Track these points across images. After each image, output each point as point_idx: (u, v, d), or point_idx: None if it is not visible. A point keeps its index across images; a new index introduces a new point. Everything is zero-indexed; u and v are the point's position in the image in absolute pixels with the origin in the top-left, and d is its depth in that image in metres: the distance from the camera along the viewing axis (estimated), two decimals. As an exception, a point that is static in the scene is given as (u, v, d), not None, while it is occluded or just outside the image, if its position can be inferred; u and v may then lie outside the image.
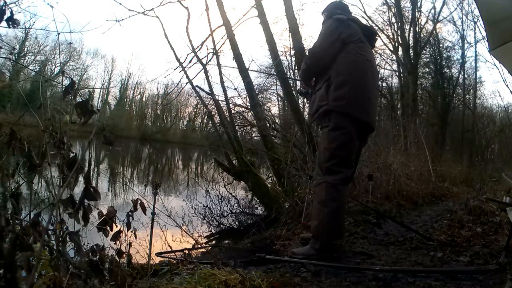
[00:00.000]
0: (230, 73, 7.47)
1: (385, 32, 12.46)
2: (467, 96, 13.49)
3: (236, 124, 5.66)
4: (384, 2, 12.27)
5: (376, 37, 2.38)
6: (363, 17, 12.24)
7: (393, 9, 11.98)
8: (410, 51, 11.30)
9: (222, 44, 5.21)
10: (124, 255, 1.32)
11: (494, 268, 1.79)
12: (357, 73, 2.06)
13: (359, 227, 2.83)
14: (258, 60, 20.99)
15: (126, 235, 1.38)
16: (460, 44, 12.84)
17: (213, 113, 5.39)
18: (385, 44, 12.87)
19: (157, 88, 31.47)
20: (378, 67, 15.83)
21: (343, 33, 2.06)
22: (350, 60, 2.05)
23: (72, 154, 1.07)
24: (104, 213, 1.17)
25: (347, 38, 2.06)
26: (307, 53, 2.18)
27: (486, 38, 2.59)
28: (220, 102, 5.19)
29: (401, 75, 12.12)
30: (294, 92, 5.51)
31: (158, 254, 2.45)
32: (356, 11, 12.26)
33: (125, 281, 1.19)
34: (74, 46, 26.72)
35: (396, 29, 12.02)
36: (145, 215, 1.45)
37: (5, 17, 1.02)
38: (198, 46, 5.22)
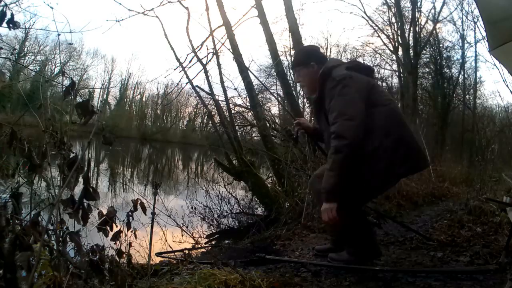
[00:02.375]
0: (230, 73, 7.46)
1: (385, 32, 12.49)
2: (467, 96, 13.48)
3: (236, 124, 5.66)
4: (384, 2, 12.28)
5: (373, 70, 2.13)
6: (363, 17, 12.26)
7: (393, 9, 11.98)
8: (410, 51, 11.30)
9: (222, 44, 5.22)
10: (124, 255, 1.32)
11: (494, 268, 1.79)
12: (400, 122, 1.81)
13: (359, 227, 2.82)
14: (258, 60, 21.01)
15: (126, 235, 1.39)
16: (460, 44, 12.83)
17: (213, 113, 5.40)
18: (385, 44, 12.90)
19: (157, 88, 31.43)
20: (378, 67, 15.74)
21: (360, 90, 1.77)
22: (384, 112, 1.77)
23: (72, 154, 1.07)
24: (104, 213, 1.18)
25: (365, 93, 1.78)
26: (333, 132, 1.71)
27: (486, 38, 2.58)
28: (220, 102, 5.19)
29: (401, 75, 12.13)
30: (294, 93, 5.52)
31: (158, 254, 2.45)
32: (356, 11, 12.28)
33: (125, 281, 1.19)
34: (74, 46, 26.67)
35: (396, 29, 12.03)
36: (145, 215, 1.45)
37: (6, 19, 1.03)
38: (198, 46, 5.23)
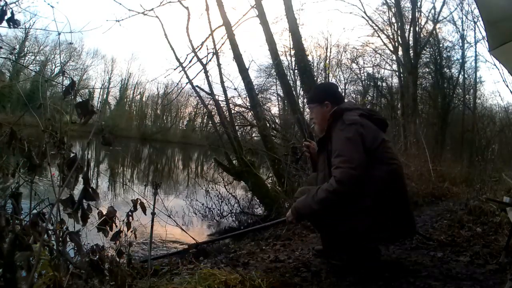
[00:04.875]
0: (230, 73, 7.47)
1: (385, 32, 12.48)
2: (467, 96, 13.49)
3: (236, 124, 5.67)
4: (384, 2, 12.28)
5: (387, 123, 1.99)
6: (363, 17, 12.26)
7: (393, 9, 11.97)
8: (410, 51, 11.29)
9: (222, 44, 5.22)
10: (124, 255, 1.32)
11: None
12: (398, 186, 1.75)
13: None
14: (258, 60, 21.05)
15: (126, 235, 1.39)
16: (460, 44, 12.84)
17: (213, 113, 5.40)
18: (385, 44, 12.90)
19: (157, 88, 31.46)
20: (378, 67, 15.65)
21: (366, 140, 1.70)
22: (385, 172, 1.71)
23: (72, 154, 1.07)
24: (104, 213, 1.18)
25: (372, 145, 1.71)
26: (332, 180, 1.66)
27: (486, 38, 2.58)
28: (220, 102, 5.20)
29: (401, 75, 12.12)
30: (294, 92, 5.52)
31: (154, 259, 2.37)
32: (356, 11, 12.28)
33: (125, 281, 1.19)
34: (74, 46, 26.64)
35: (396, 29, 12.02)
36: (145, 215, 1.45)
37: (6, 17, 1.03)
38: (198, 46, 5.23)
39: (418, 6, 11.67)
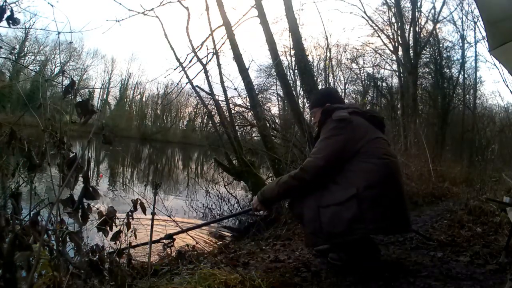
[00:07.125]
0: (230, 73, 7.50)
1: (385, 32, 12.48)
2: (467, 96, 13.50)
3: (236, 124, 5.67)
4: (384, 2, 12.28)
5: (384, 123, 1.99)
6: (363, 17, 12.26)
7: (393, 9, 11.97)
8: (410, 51, 11.29)
9: (222, 44, 5.23)
10: (124, 255, 1.32)
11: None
12: (390, 179, 1.72)
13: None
14: (258, 60, 21.07)
15: (126, 235, 1.39)
16: (460, 44, 12.85)
17: (213, 113, 5.41)
18: (385, 44, 12.90)
19: (157, 88, 31.49)
20: (378, 67, 15.66)
21: (354, 135, 1.74)
22: (376, 164, 1.69)
23: (72, 154, 1.07)
24: (104, 213, 1.18)
25: (361, 140, 1.73)
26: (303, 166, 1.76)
27: (486, 38, 2.58)
28: (220, 102, 5.20)
29: (401, 75, 12.13)
30: (294, 92, 5.52)
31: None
32: (356, 11, 12.28)
33: (125, 281, 1.19)
34: (74, 46, 26.70)
35: (396, 29, 12.01)
36: (145, 215, 1.45)
37: (5, 16, 1.03)
38: (198, 46, 5.24)
39: (418, 6, 11.68)
